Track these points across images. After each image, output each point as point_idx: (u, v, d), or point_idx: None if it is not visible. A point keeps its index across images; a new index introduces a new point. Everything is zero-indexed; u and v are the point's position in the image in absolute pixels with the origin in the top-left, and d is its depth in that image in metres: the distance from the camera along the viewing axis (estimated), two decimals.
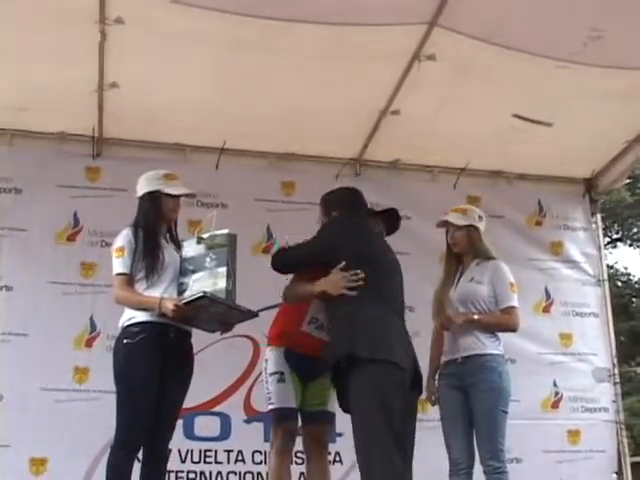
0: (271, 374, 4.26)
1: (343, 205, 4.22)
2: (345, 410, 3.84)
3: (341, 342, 3.74)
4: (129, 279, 3.93)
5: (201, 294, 3.75)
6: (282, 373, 4.22)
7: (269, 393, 4.25)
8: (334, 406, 4.21)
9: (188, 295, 3.84)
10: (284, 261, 4.20)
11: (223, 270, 3.84)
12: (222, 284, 3.81)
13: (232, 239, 3.95)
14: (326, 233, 4.07)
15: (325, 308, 4.05)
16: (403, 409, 3.68)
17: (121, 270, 3.94)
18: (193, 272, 3.92)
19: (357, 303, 3.79)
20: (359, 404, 3.66)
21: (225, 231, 3.95)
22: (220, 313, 3.94)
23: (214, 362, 5.53)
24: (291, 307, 4.35)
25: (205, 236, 3.98)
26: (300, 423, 4.30)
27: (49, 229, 5.98)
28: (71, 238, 6.02)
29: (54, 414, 5.57)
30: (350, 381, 3.67)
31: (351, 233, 4.00)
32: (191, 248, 4.00)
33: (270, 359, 4.31)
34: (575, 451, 6.44)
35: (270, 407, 4.25)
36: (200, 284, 3.86)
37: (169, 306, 3.77)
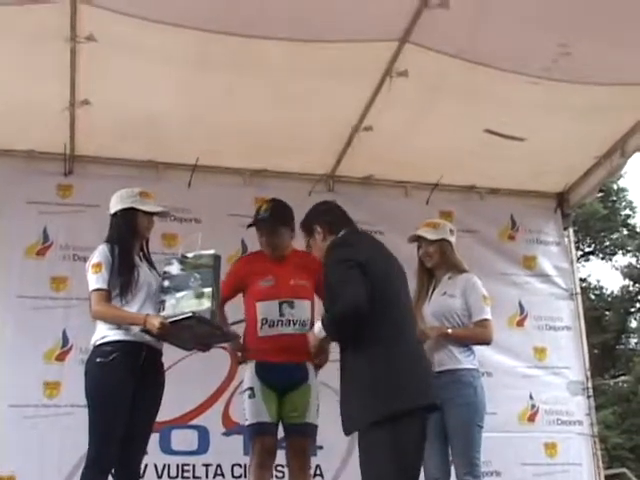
0: (244, 391, 4.32)
1: (334, 215, 4.00)
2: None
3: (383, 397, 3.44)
4: (107, 295, 3.91)
5: (189, 314, 3.74)
6: (252, 389, 4.29)
7: (244, 410, 4.33)
8: (314, 417, 4.23)
9: (171, 313, 3.82)
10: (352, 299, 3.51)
11: (209, 291, 3.84)
12: (207, 304, 3.81)
13: (217, 260, 3.96)
14: (342, 256, 3.66)
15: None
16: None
17: (99, 285, 3.91)
18: (176, 290, 3.90)
19: (394, 340, 3.54)
20: (379, 459, 3.42)
21: (211, 252, 3.96)
22: (203, 334, 3.94)
23: (191, 374, 5.51)
24: (249, 318, 4.40)
25: (190, 255, 3.97)
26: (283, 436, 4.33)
27: (17, 245, 5.90)
28: (41, 253, 5.95)
29: (22, 431, 5.48)
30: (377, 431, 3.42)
31: (374, 251, 3.79)
32: (174, 266, 3.99)
33: (245, 376, 4.36)
34: (552, 464, 6.46)
35: (246, 423, 4.32)
36: (184, 303, 3.85)
37: (155, 324, 3.76)
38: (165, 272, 4.00)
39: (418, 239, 4.69)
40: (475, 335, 4.52)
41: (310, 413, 4.27)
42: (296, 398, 4.28)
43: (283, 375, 4.25)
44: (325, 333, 3.68)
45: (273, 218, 4.44)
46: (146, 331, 3.81)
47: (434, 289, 4.62)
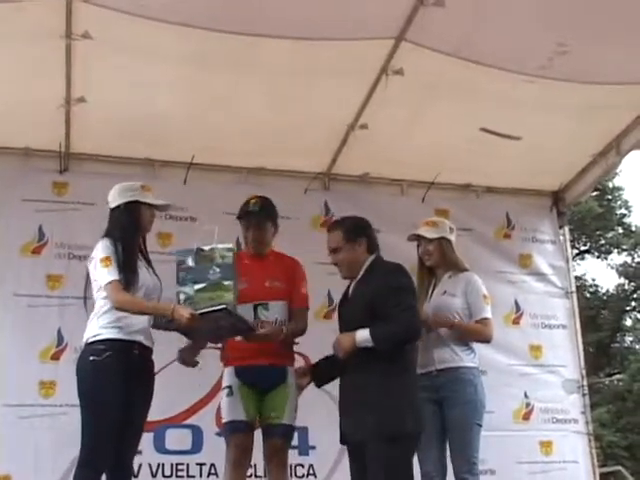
0: (222, 389, 4.35)
1: (374, 236, 4.13)
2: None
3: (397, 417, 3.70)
4: (123, 285, 3.86)
5: (222, 306, 3.72)
6: (230, 387, 4.29)
7: (222, 409, 4.34)
8: (291, 418, 4.24)
9: (187, 304, 3.78)
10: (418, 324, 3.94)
11: (230, 283, 3.82)
12: (230, 296, 3.79)
13: (234, 254, 3.94)
14: (411, 285, 3.97)
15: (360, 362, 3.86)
16: None
17: (114, 277, 3.84)
18: (194, 282, 3.84)
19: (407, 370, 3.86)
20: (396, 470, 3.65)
21: (229, 245, 3.93)
22: (225, 327, 3.93)
23: (185, 374, 5.40)
24: None
25: (206, 248, 3.92)
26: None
27: (13, 243, 5.88)
28: (36, 251, 5.93)
29: (18, 431, 5.45)
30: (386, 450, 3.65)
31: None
32: (189, 258, 3.92)
33: (224, 377, 4.38)
34: (548, 462, 6.47)
35: (222, 421, 4.33)
36: (204, 295, 3.80)
37: (184, 314, 3.71)
38: (181, 263, 3.93)
39: (417, 238, 4.69)
40: (477, 331, 4.52)
41: (287, 414, 4.26)
42: (274, 399, 4.28)
43: (262, 376, 4.25)
44: (374, 344, 3.73)
45: (262, 212, 4.44)
46: (169, 322, 3.79)
47: (434, 288, 4.62)
